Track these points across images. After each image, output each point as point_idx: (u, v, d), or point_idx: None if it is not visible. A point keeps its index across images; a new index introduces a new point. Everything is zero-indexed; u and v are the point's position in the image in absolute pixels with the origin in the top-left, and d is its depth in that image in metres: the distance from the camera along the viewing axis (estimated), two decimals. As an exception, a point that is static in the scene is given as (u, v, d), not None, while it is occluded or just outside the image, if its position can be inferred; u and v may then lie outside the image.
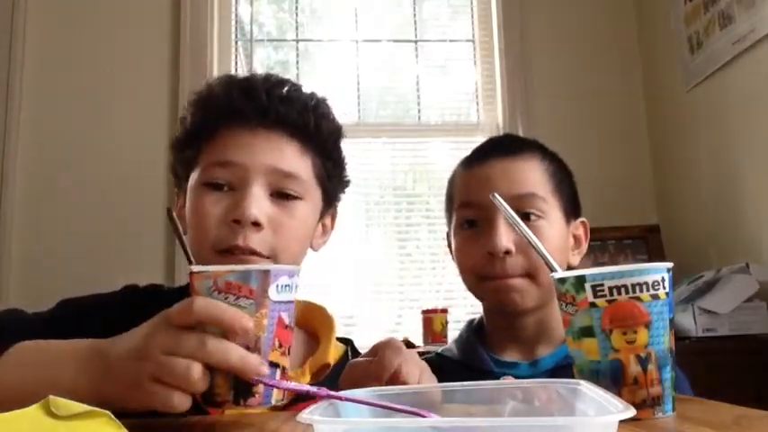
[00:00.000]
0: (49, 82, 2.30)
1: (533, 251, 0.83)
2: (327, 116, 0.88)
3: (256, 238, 0.78)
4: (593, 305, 0.58)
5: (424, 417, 0.48)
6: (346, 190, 0.95)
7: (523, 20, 2.52)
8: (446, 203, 1.03)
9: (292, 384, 0.57)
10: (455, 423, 0.46)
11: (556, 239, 0.91)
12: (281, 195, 0.82)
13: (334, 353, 0.88)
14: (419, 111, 2.59)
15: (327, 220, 0.93)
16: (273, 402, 0.56)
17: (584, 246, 0.98)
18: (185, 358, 0.53)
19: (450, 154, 2.59)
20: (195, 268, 0.56)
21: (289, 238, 0.81)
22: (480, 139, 2.57)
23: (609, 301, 0.57)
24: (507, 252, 0.88)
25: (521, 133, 2.40)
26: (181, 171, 0.88)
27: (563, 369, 0.83)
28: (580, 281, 0.59)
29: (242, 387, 0.55)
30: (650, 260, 2.33)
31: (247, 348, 0.55)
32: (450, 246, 1.00)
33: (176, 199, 0.91)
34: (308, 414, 0.45)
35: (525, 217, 0.89)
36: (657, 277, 0.58)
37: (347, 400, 0.52)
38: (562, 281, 0.61)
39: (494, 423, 0.43)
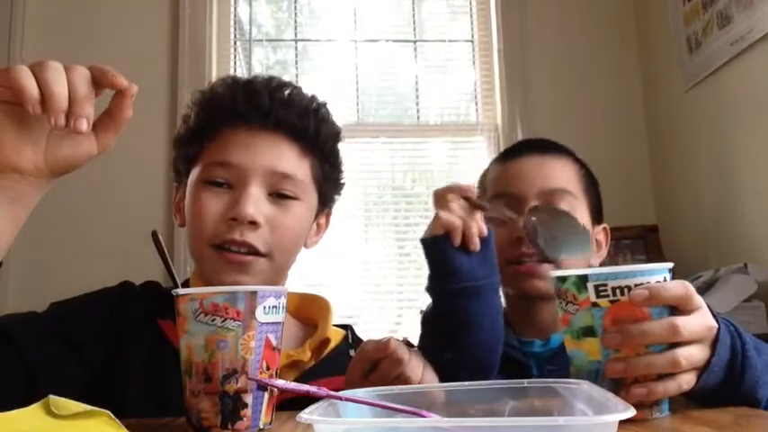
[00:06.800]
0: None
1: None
2: (327, 120, 0.91)
3: (253, 236, 0.81)
4: (594, 305, 0.58)
5: (424, 417, 0.48)
6: (342, 192, 0.97)
7: (522, 20, 2.52)
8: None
9: (292, 384, 0.56)
10: (455, 423, 0.46)
11: None
12: (278, 195, 0.84)
13: (334, 334, 0.91)
14: (418, 111, 2.59)
15: (322, 220, 0.96)
16: (261, 426, 0.56)
17: (604, 251, 1.02)
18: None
19: (449, 154, 2.59)
20: (180, 291, 0.56)
21: (285, 236, 0.84)
22: (479, 140, 2.59)
23: (612, 302, 0.57)
24: None
25: (519, 133, 2.40)
26: (182, 167, 0.90)
27: None
28: (582, 280, 0.58)
29: (229, 411, 0.54)
30: (649, 260, 2.33)
31: (234, 371, 0.54)
32: None
33: (175, 193, 0.93)
34: (308, 414, 0.45)
35: None
36: (659, 278, 0.58)
37: (347, 400, 0.52)
38: (562, 279, 0.61)
39: (494, 423, 0.43)
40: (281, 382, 0.56)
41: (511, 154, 1.01)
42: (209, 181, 0.83)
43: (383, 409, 0.51)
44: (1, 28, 2.27)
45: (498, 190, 0.98)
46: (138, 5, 2.41)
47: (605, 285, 0.57)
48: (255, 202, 0.81)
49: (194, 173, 0.86)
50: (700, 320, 0.58)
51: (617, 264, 2.27)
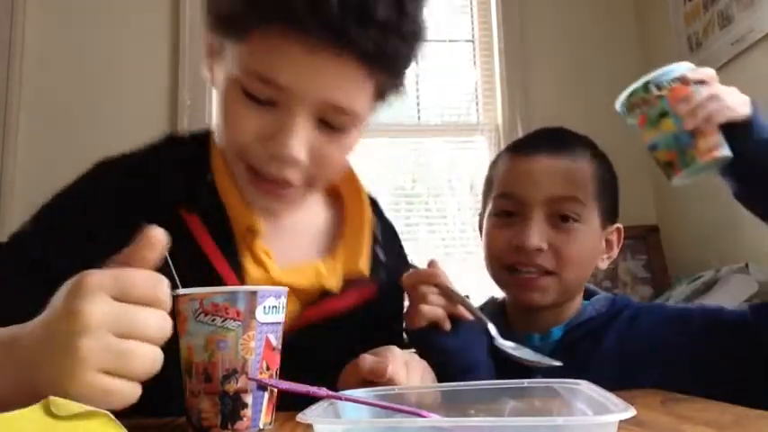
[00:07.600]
0: (48, 80, 2.30)
1: (564, 250, 0.89)
2: (410, 38, 0.71)
3: (293, 171, 0.71)
4: (660, 96, 0.83)
5: (423, 417, 0.48)
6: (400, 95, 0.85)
7: (523, 20, 2.52)
8: (485, 185, 1.02)
9: (293, 385, 0.56)
10: (455, 423, 0.46)
11: (588, 244, 0.92)
12: (330, 125, 0.72)
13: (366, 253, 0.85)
14: (419, 111, 2.58)
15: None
16: (261, 426, 0.56)
17: (615, 251, 0.99)
18: (140, 339, 0.48)
19: (449, 154, 2.59)
20: (180, 291, 0.56)
21: (330, 169, 0.76)
22: (480, 140, 2.59)
23: (669, 90, 0.83)
24: (538, 249, 0.89)
25: (519, 133, 2.39)
26: (218, 34, 0.72)
27: (568, 336, 0.92)
28: (645, 86, 0.84)
29: (229, 411, 0.54)
30: (649, 261, 2.33)
31: (234, 371, 0.54)
32: (480, 228, 1.00)
33: (206, 37, 0.75)
34: (307, 414, 0.45)
35: (563, 219, 0.90)
36: (685, 70, 0.84)
37: (347, 399, 0.52)
38: (631, 94, 0.86)
39: (494, 423, 0.43)
40: (281, 383, 0.56)
41: (522, 149, 0.97)
42: (249, 93, 0.68)
43: (383, 409, 0.51)
44: (1, 30, 2.27)
45: (505, 190, 0.94)
46: (139, 6, 2.41)
47: (661, 82, 0.83)
48: (303, 137, 0.69)
49: (232, 65, 0.69)
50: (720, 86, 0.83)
51: (618, 264, 2.27)
